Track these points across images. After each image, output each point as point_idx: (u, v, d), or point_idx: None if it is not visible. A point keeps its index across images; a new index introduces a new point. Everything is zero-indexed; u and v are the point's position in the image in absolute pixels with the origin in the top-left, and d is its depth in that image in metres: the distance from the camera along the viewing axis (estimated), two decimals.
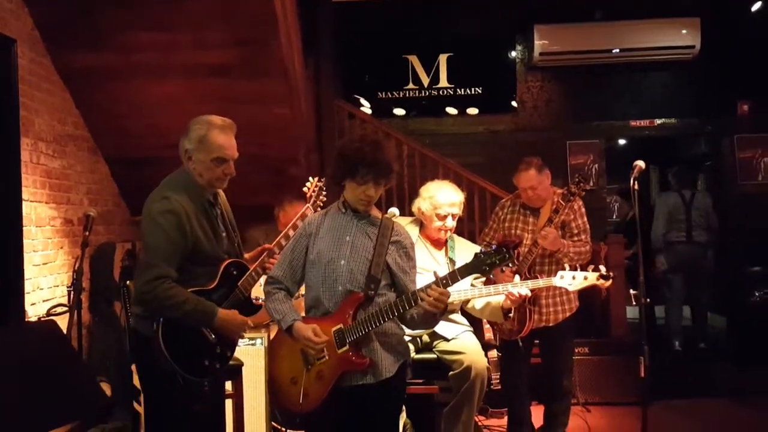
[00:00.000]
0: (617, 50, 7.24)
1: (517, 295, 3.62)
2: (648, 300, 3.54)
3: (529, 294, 3.65)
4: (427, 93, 7.74)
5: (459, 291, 3.72)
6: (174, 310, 2.69)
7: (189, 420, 2.82)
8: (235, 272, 2.96)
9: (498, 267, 2.78)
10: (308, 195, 3.59)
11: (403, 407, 3.84)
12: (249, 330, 2.97)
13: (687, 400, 5.33)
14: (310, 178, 3.65)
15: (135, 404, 3.86)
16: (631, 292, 3.57)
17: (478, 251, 2.73)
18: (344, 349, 2.75)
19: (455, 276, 2.73)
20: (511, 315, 3.82)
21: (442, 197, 3.80)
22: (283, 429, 4.10)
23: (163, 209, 2.71)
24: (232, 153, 2.85)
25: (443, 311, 2.77)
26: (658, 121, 7.67)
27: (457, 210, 3.83)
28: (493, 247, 2.71)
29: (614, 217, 9.07)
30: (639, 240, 3.64)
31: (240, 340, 3.06)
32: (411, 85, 7.74)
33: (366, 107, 7.66)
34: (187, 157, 2.82)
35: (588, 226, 4.11)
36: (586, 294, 4.18)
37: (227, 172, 2.86)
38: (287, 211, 4.81)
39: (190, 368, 2.76)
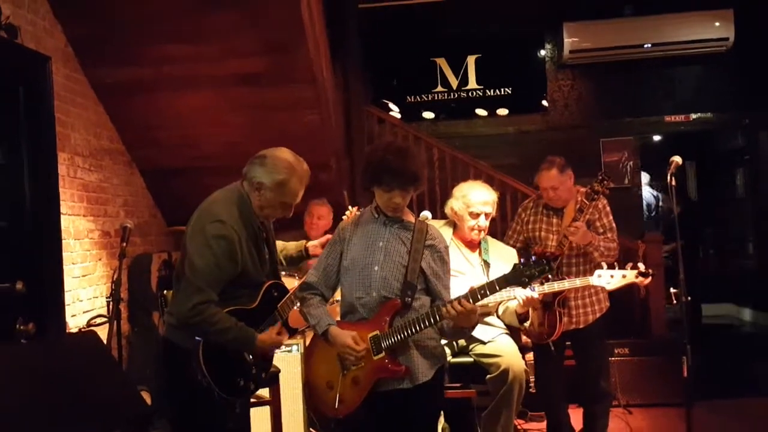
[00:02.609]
0: (649, 45, 7.13)
1: (527, 298, 3.54)
2: (689, 298, 3.46)
3: (536, 296, 3.58)
4: (456, 95, 7.71)
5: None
6: (217, 336, 2.72)
7: None
8: (275, 294, 2.98)
9: (537, 279, 2.75)
10: None
11: (441, 412, 3.82)
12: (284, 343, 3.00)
13: (732, 401, 5.21)
14: (350, 207, 3.72)
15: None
16: (672, 290, 3.49)
17: (517, 263, 2.71)
18: (380, 355, 2.75)
19: (493, 287, 2.72)
20: (527, 323, 3.76)
21: (474, 196, 3.78)
22: None
23: (218, 233, 2.70)
24: (299, 200, 2.90)
25: (472, 327, 2.77)
26: (694, 116, 7.52)
27: (490, 209, 3.80)
28: (533, 258, 2.69)
29: (651, 215, 8.93)
30: (678, 236, 3.57)
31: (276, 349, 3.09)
32: (440, 88, 7.71)
33: (395, 111, 7.65)
34: (256, 188, 2.81)
35: (614, 224, 4.05)
36: (624, 294, 4.12)
37: (286, 215, 2.92)
38: (311, 212, 4.90)
39: (225, 387, 2.77)
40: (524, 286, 2.88)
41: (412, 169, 2.73)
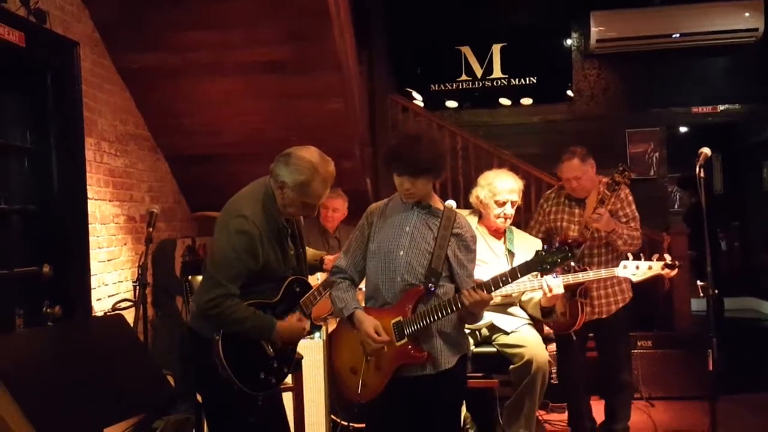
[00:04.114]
0: (677, 35, 7.04)
1: (548, 288, 3.48)
2: (716, 291, 3.42)
3: (562, 291, 3.53)
4: (481, 84, 7.67)
5: (518, 282, 3.65)
6: (235, 326, 2.76)
7: (245, 428, 2.89)
8: (297, 289, 3.01)
9: (560, 266, 2.74)
10: None
11: (463, 401, 3.82)
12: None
13: (754, 395, 5.16)
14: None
15: (199, 396, 3.93)
16: (699, 283, 3.44)
17: (540, 249, 2.71)
18: (403, 341, 2.76)
19: (515, 273, 2.73)
20: (553, 315, 3.73)
21: (500, 184, 3.76)
22: (343, 422, 4.12)
23: (239, 228, 2.74)
24: (322, 201, 2.91)
25: (479, 317, 2.85)
26: (721, 107, 7.42)
27: (516, 197, 3.78)
28: (556, 245, 2.68)
29: (676, 207, 8.85)
30: (705, 229, 3.53)
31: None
32: (464, 77, 7.67)
33: (418, 100, 7.63)
34: (279, 186, 2.82)
35: (637, 214, 4.02)
36: (648, 286, 4.09)
37: (310, 214, 2.97)
38: (326, 205, 4.92)
39: (246, 380, 2.80)
40: (546, 273, 2.86)
41: (422, 157, 2.71)
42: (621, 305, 4.02)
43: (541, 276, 3.47)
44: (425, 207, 2.85)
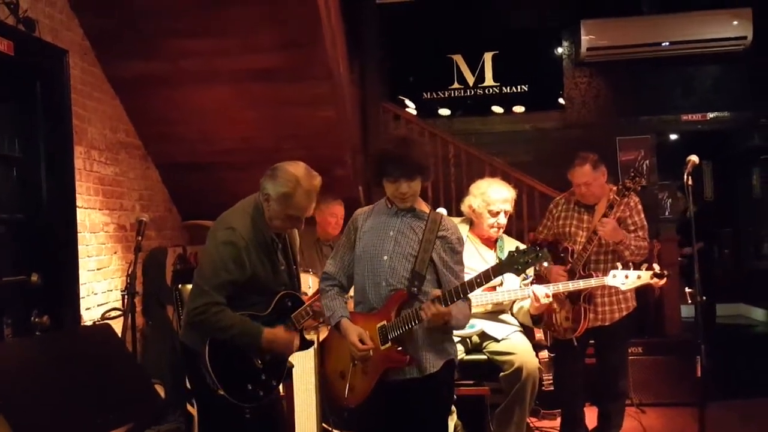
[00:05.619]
0: (666, 43, 7.08)
1: (537, 297, 3.50)
2: (704, 298, 3.44)
3: (551, 301, 3.55)
4: (473, 92, 7.69)
5: (509, 291, 3.67)
6: (221, 334, 2.81)
7: None
8: (289, 304, 3.04)
9: (532, 266, 2.76)
10: None
11: (454, 409, 3.82)
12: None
13: (745, 401, 5.17)
14: None
15: (188, 406, 3.92)
16: (687, 290, 3.47)
17: (512, 250, 2.71)
18: (387, 345, 2.77)
19: (489, 275, 2.73)
20: (541, 324, 3.75)
21: (494, 194, 3.77)
22: (335, 430, 4.11)
23: (226, 239, 2.81)
24: (308, 213, 2.94)
25: (450, 326, 2.80)
26: (711, 115, 7.46)
27: (509, 207, 3.80)
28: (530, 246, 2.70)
29: (666, 214, 8.89)
30: (694, 236, 3.54)
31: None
32: (456, 85, 7.69)
33: (411, 108, 7.64)
34: (265, 199, 2.88)
35: (645, 223, 4.03)
36: (639, 293, 4.10)
37: (296, 227, 3.00)
38: (322, 210, 4.88)
39: (233, 391, 2.83)
40: (518, 274, 2.86)
41: (414, 157, 2.74)
42: (624, 313, 4.02)
43: (518, 276, 3.49)
44: (410, 210, 2.85)
